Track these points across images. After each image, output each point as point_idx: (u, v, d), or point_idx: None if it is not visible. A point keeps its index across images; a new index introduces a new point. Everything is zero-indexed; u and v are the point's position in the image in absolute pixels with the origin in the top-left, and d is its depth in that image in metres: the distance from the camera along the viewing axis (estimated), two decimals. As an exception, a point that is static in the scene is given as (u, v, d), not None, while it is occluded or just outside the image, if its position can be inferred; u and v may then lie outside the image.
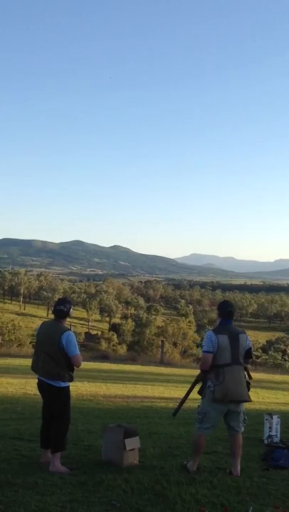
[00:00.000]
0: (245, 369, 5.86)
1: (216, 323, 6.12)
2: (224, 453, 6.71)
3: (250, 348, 5.92)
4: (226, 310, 5.97)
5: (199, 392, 5.91)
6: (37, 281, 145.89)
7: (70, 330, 5.99)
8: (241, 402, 5.81)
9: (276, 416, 7.76)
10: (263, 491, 5.22)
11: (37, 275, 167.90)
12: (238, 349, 5.74)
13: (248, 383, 5.88)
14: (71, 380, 5.93)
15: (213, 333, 5.76)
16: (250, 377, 5.97)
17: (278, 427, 7.71)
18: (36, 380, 6.12)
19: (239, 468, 5.82)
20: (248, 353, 5.86)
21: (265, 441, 7.51)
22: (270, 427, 7.59)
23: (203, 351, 5.77)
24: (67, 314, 6.03)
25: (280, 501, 4.91)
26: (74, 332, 6.20)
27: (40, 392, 6.10)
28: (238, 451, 5.87)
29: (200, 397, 5.93)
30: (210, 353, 5.67)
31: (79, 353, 5.89)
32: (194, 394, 6.10)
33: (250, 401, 5.92)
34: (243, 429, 5.94)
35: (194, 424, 8.66)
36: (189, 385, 6.24)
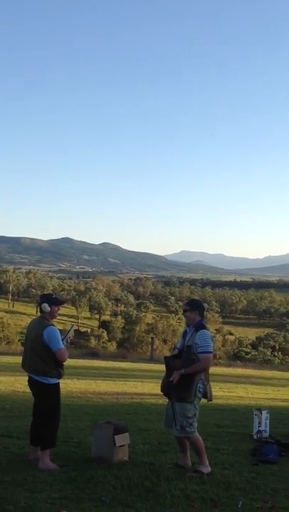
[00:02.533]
0: None
1: (194, 322, 5.83)
2: (213, 448, 6.73)
3: None
4: (204, 309, 6.00)
5: (183, 396, 5.63)
6: (26, 279, 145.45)
7: (52, 325, 5.94)
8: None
9: (265, 411, 7.80)
10: (253, 485, 5.25)
11: (26, 272, 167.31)
12: None
13: None
14: (59, 376, 5.90)
15: (210, 333, 5.77)
16: None
17: (267, 422, 7.75)
18: (26, 378, 6.11)
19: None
20: None
21: (255, 437, 7.55)
22: (259, 422, 7.62)
23: (209, 352, 5.59)
24: (47, 310, 5.95)
25: (269, 496, 4.94)
26: (63, 329, 6.18)
27: (30, 389, 6.09)
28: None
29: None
30: (212, 353, 5.70)
31: (63, 347, 5.83)
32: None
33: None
34: None
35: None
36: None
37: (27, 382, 6.13)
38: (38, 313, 6.20)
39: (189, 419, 5.62)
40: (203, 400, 5.86)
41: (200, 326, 5.74)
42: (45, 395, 5.86)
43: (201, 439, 5.78)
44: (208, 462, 5.69)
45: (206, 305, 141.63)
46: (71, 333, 6.65)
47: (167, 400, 5.87)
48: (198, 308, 5.87)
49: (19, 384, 11.95)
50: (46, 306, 5.96)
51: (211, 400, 5.80)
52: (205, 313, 6.05)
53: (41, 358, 5.76)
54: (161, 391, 5.94)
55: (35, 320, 6.21)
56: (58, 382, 5.97)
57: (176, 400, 5.62)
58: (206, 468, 5.61)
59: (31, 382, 5.95)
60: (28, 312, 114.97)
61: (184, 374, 5.61)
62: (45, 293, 6.69)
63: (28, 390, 6.24)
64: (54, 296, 6.46)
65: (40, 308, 6.01)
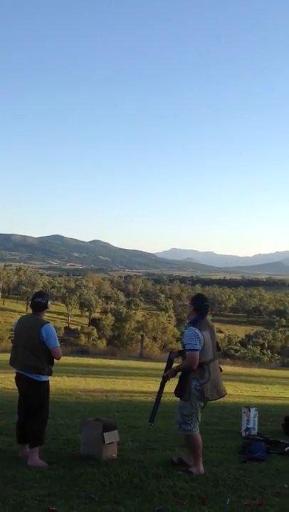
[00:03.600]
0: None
1: (191, 318, 5.78)
2: (202, 446, 6.74)
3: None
4: (202, 304, 5.75)
5: (180, 394, 5.64)
6: (16, 276, 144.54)
7: (49, 323, 5.98)
8: (222, 397, 5.81)
9: (254, 409, 7.85)
10: (241, 482, 5.28)
11: (16, 270, 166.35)
12: (215, 343, 5.73)
13: None
14: (50, 373, 5.92)
15: (197, 330, 5.53)
16: (220, 369, 5.89)
17: (256, 419, 7.80)
18: (14, 375, 6.10)
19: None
20: (218, 346, 5.83)
21: (243, 434, 7.59)
22: (247, 420, 7.67)
23: (192, 349, 5.44)
24: (44, 306, 6.02)
25: (257, 493, 4.97)
26: (54, 326, 6.19)
27: (17, 386, 6.07)
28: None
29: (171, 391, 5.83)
30: (198, 350, 5.44)
31: (59, 345, 5.89)
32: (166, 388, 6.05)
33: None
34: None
35: (173, 418, 8.70)
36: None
37: (14, 379, 6.12)
38: (30, 311, 6.19)
39: (185, 416, 5.59)
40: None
41: (191, 323, 5.68)
42: (36, 392, 5.85)
43: (199, 440, 5.67)
44: (201, 464, 5.61)
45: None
46: None
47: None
48: (193, 304, 5.75)
49: (9, 381, 11.91)
50: (50, 304, 6.13)
51: (205, 399, 5.61)
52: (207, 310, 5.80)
53: (36, 356, 5.75)
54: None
55: (27, 317, 6.19)
56: (48, 380, 5.97)
57: (177, 397, 5.71)
58: (197, 470, 5.52)
59: (21, 380, 5.93)
60: (18, 309, 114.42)
61: (177, 371, 5.68)
62: (40, 291, 6.69)
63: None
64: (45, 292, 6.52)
65: (38, 307, 6.01)
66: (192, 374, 5.53)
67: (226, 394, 5.82)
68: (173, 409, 9.88)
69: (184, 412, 5.60)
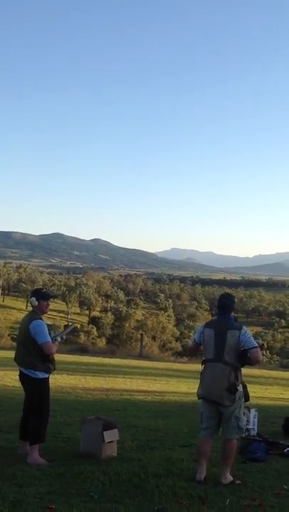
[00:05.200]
0: (237, 370, 5.28)
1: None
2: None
3: (249, 348, 5.24)
4: (219, 302, 5.62)
5: None
6: (16, 274, 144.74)
7: (40, 319, 5.95)
8: (217, 404, 5.28)
9: (253, 409, 7.85)
10: (240, 483, 5.28)
11: (16, 267, 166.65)
12: (224, 346, 5.25)
13: (234, 386, 5.22)
14: (47, 370, 5.89)
15: (203, 325, 5.61)
16: (236, 379, 5.25)
17: (255, 420, 7.80)
18: (16, 372, 6.13)
19: (227, 476, 5.29)
20: (244, 353, 5.27)
21: (243, 435, 7.57)
22: (247, 421, 7.65)
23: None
24: (35, 304, 6.01)
25: (257, 494, 4.98)
26: (52, 324, 6.20)
27: (21, 383, 6.10)
28: (224, 459, 5.38)
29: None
30: (193, 341, 5.62)
31: (49, 340, 5.82)
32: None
33: (229, 405, 5.25)
34: (234, 436, 5.39)
35: (173, 417, 8.72)
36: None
37: (18, 377, 6.14)
38: (30, 308, 6.23)
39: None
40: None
41: None
42: (33, 389, 5.86)
43: (201, 445, 5.47)
44: (200, 471, 5.33)
45: (195, 303, 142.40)
46: (68, 331, 6.68)
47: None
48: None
49: (9, 378, 11.93)
50: (34, 300, 6.01)
51: (199, 398, 5.50)
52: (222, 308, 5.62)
53: (29, 352, 5.82)
54: None
55: (26, 315, 6.25)
56: (47, 377, 5.96)
57: None
58: (198, 477, 5.28)
59: (21, 377, 5.99)
60: (18, 307, 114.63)
61: None
62: (37, 287, 6.72)
63: (17, 384, 6.24)
64: (44, 290, 6.43)
65: (31, 303, 6.09)
66: None
67: (220, 401, 5.23)
68: (172, 409, 9.94)
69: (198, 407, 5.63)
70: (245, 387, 5.49)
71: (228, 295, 5.89)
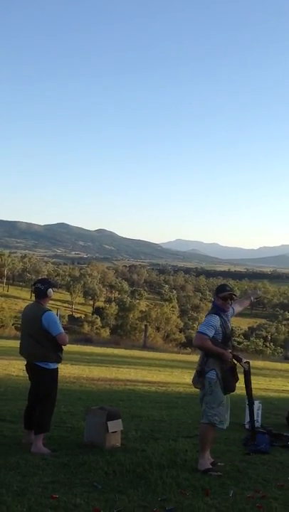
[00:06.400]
0: (207, 355, 5.43)
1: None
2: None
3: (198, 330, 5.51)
4: (217, 292, 5.74)
5: None
6: (21, 263, 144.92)
7: (50, 310, 5.96)
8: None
9: (257, 401, 7.82)
10: (244, 475, 5.28)
11: (21, 257, 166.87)
12: None
13: (202, 370, 5.42)
14: (59, 360, 5.93)
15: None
16: (204, 364, 5.41)
17: (259, 412, 7.79)
18: (24, 362, 6.12)
19: (199, 461, 5.35)
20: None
21: (247, 426, 7.57)
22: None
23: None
24: (44, 293, 5.97)
25: (260, 485, 4.97)
26: (58, 314, 6.19)
27: (28, 374, 6.08)
28: (199, 443, 5.53)
29: (186, 381, 5.84)
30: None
31: (63, 331, 5.87)
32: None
33: (198, 388, 5.53)
34: (203, 419, 5.45)
35: (177, 408, 8.72)
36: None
37: (25, 367, 6.13)
38: (33, 298, 6.17)
39: None
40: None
41: None
42: (45, 380, 5.86)
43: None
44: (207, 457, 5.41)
45: (199, 294, 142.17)
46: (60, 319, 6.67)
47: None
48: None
49: (13, 368, 11.95)
50: (51, 291, 6.02)
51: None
52: (216, 296, 5.66)
53: (41, 344, 5.77)
54: None
55: (30, 306, 6.18)
56: (57, 367, 5.99)
57: None
58: (201, 465, 5.33)
59: (31, 368, 5.94)
60: (23, 296, 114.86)
61: None
62: (42, 277, 6.69)
63: (22, 374, 6.25)
64: (50, 279, 6.46)
65: (37, 293, 5.99)
66: None
67: (192, 382, 5.62)
68: (176, 400, 9.94)
69: None
70: (224, 379, 5.42)
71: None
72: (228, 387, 5.47)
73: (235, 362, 5.59)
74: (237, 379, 5.59)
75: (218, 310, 5.60)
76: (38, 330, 5.77)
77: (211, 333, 5.37)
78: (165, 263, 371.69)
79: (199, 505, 4.27)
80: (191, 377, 5.71)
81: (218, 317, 5.50)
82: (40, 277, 8.35)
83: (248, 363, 5.80)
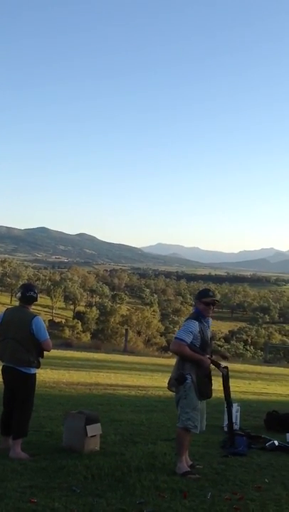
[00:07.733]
0: (183, 360, 5.47)
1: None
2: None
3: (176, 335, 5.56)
4: (197, 297, 5.74)
5: None
6: (1, 268, 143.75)
7: (38, 315, 6.02)
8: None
9: (236, 404, 7.89)
10: (222, 477, 5.31)
11: (1, 261, 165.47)
12: None
13: (180, 375, 5.43)
14: (38, 366, 5.96)
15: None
16: (182, 369, 5.46)
17: (238, 414, 7.85)
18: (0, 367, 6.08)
19: (177, 465, 5.37)
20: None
21: (225, 429, 7.61)
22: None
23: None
24: (35, 300, 6.09)
25: (238, 487, 5.01)
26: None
27: (4, 378, 6.04)
28: (176, 447, 5.57)
29: (166, 384, 5.80)
30: None
31: (48, 337, 5.93)
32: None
33: (172, 391, 5.61)
34: (178, 424, 5.47)
35: (156, 411, 8.74)
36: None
37: (0, 372, 6.10)
38: (14, 303, 6.17)
39: None
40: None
41: None
42: (25, 385, 5.86)
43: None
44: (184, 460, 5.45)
45: (180, 298, 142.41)
46: None
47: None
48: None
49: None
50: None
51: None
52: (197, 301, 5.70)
53: (26, 349, 5.76)
54: None
55: (15, 309, 6.14)
56: (36, 372, 5.99)
57: None
58: (179, 469, 5.35)
59: (10, 373, 5.90)
60: (2, 301, 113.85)
61: None
62: (29, 283, 6.69)
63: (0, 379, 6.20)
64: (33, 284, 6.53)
65: (27, 300, 5.99)
66: None
67: (168, 386, 5.66)
68: (155, 403, 9.96)
69: None
70: (200, 384, 5.43)
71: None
72: (204, 393, 5.50)
73: (214, 367, 5.63)
74: (212, 384, 5.61)
75: (199, 315, 5.61)
76: (25, 335, 5.76)
77: (189, 339, 5.38)
78: (146, 267, 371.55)
79: (177, 508, 4.30)
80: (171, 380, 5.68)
81: (197, 322, 5.51)
82: (25, 282, 8.36)
83: (227, 368, 5.84)
